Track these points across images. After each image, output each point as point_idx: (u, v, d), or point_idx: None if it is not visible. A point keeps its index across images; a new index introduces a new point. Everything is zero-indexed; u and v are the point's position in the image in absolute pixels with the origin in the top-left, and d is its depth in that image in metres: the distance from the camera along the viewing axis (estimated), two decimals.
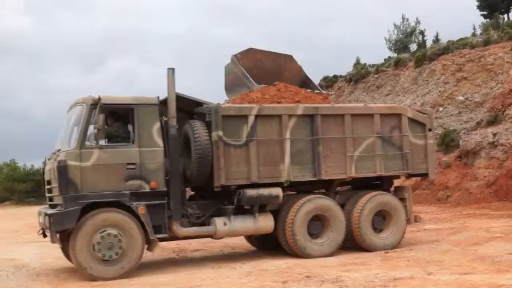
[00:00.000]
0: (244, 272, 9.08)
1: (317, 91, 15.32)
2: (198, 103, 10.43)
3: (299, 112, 10.53)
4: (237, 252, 12.00)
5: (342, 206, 10.94)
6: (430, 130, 11.48)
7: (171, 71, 9.74)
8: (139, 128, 9.53)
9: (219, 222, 10.00)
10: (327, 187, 11.14)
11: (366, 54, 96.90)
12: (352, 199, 11.08)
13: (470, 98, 27.26)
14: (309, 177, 10.56)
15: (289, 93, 11.80)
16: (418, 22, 41.94)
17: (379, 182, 11.65)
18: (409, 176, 11.78)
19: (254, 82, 14.29)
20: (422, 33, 41.52)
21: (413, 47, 40.53)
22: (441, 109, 28.18)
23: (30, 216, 33.51)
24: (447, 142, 25.67)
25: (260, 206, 10.25)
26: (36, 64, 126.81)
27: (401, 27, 42.20)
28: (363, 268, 9.01)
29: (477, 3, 37.25)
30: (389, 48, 42.61)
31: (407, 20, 42.22)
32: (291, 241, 10.35)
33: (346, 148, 10.73)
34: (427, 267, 8.73)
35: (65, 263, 11.48)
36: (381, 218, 11.09)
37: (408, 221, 11.38)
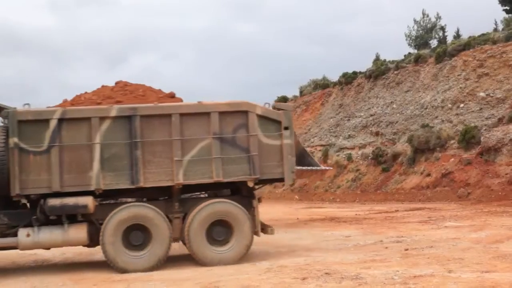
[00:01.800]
0: (263, 269, 9.07)
1: (314, 168, 16.22)
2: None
3: (113, 113, 9.52)
4: (256, 248, 11.97)
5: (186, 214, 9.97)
6: (286, 128, 9.91)
7: None
8: None
9: (22, 233, 9.28)
10: (171, 194, 10.00)
11: (386, 50, 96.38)
12: (192, 208, 9.93)
13: (491, 94, 26.96)
14: (125, 185, 9.51)
15: (120, 93, 10.95)
16: (438, 17, 41.66)
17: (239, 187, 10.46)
18: (260, 181, 10.13)
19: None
20: (442, 28, 41.20)
21: (434, 43, 40.29)
22: (462, 105, 27.94)
23: None
24: (468, 138, 25.44)
25: (73, 216, 9.49)
26: (60, 61, 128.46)
27: (422, 23, 41.90)
28: (382, 265, 8.95)
29: None
30: (409, 44, 42.38)
31: (428, 15, 41.94)
32: (103, 252, 9.47)
33: (173, 152, 9.61)
34: (447, 265, 8.65)
35: (86, 257, 11.60)
36: (223, 229, 9.83)
37: (255, 233, 10.03)
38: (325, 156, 35.94)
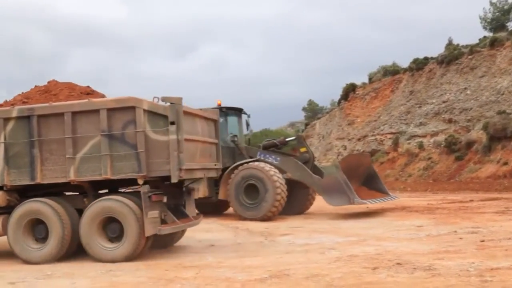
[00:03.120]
0: (333, 258, 9.00)
1: (380, 199, 16.53)
2: None
3: (14, 114, 10.00)
4: (325, 237, 11.91)
5: None
6: (172, 123, 9.47)
7: None
8: None
9: None
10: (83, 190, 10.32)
11: (459, 34, 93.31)
12: None
13: None
14: (26, 181, 10.02)
15: (38, 93, 11.43)
16: None
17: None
18: (149, 178, 9.76)
19: (355, 195, 15.12)
20: None
21: (511, 25, 38.57)
22: None
23: None
24: None
25: None
26: (130, 52, 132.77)
27: (498, 4, 40.18)
28: (457, 256, 8.68)
29: None
30: (484, 27, 40.77)
31: None
32: (8, 243, 10.16)
33: (66, 149, 9.84)
34: None
35: (157, 244, 11.84)
36: (118, 226, 9.75)
37: (144, 232, 9.61)
38: (395, 144, 35.29)
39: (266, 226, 14.29)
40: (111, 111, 9.67)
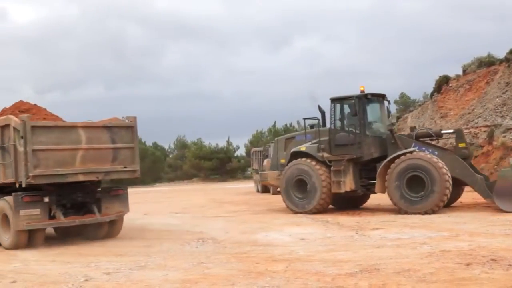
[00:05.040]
0: (425, 253, 8.90)
1: None
2: None
3: None
4: (417, 231, 11.75)
5: None
6: (21, 137, 11.32)
7: None
8: None
9: None
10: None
11: None
12: None
13: None
14: None
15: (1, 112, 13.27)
16: None
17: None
18: (19, 183, 11.58)
19: None
20: None
21: None
22: None
23: (215, 192, 35.90)
24: None
25: None
26: (226, 46, 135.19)
27: None
28: None
29: None
30: None
31: None
32: None
33: None
34: None
35: (248, 237, 12.14)
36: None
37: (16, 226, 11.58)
38: (490, 138, 33.94)
39: (357, 221, 14.28)
40: (3, 128, 11.85)
